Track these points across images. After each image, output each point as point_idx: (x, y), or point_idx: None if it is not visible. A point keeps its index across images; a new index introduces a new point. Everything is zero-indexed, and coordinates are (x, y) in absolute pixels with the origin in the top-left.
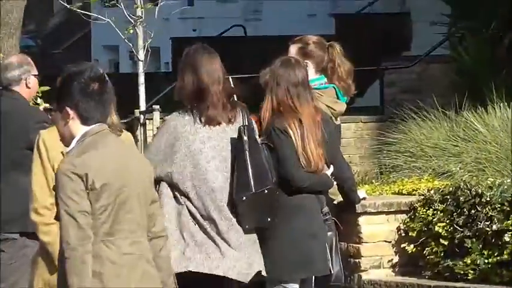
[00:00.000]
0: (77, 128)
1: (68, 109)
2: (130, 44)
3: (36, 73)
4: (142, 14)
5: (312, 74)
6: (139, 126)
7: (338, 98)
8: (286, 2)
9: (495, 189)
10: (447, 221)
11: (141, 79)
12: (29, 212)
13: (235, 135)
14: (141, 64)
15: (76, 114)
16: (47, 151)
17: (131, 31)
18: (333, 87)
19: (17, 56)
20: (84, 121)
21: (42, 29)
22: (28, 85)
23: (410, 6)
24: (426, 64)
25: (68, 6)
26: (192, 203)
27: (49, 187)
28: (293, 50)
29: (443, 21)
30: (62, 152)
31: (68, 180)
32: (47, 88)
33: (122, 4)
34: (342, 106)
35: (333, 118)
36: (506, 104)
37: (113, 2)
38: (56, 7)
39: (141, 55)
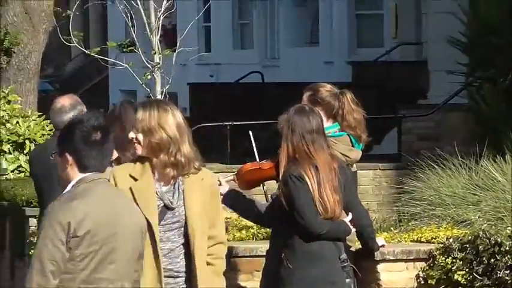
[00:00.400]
0: (74, 174)
1: (68, 155)
2: (148, 90)
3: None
4: (160, 60)
5: (324, 121)
6: None
7: (353, 145)
8: (304, 49)
9: None
10: (466, 270)
11: None
12: None
13: None
14: None
15: (75, 161)
16: (116, 186)
17: (149, 77)
18: (347, 134)
19: (68, 97)
20: (82, 168)
21: (60, 73)
22: None
23: (427, 55)
24: (444, 113)
25: (86, 51)
26: None
27: None
28: (305, 97)
29: (459, 71)
30: (130, 188)
31: (49, 227)
32: None
33: (139, 50)
34: (357, 154)
35: (349, 165)
36: None
37: (131, 47)
38: (73, 52)
39: None
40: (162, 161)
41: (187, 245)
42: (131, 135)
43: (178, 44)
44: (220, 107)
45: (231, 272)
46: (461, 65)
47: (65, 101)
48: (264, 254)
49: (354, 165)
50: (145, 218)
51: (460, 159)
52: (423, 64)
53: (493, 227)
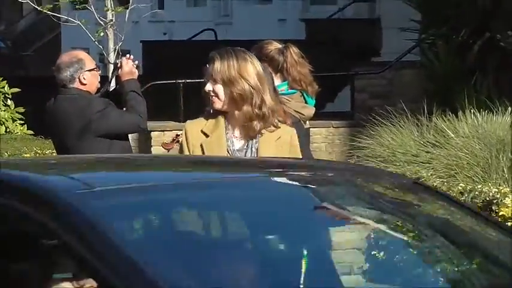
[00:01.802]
0: None
1: None
2: (101, 47)
3: (92, 67)
4: (112, 17)
5: (274, 79)
6: None
7: (306, 102)
8: (257, 7)
9: (466, 195)
10: None
11: (112, 82)
12: None
13: None
14: (111, 67)
15: None
16: (187, 141)
17: (101, 34)
18: (300, 91)
19: (67, 54)
20: None
21: (11, 30)
22: (83, 82)
23: (380, 13)
24: (396, 70)
25: (38, 8)
26: None
27: None
28: None
29: (413, 28)
30: (200, 144)
31: None
32: (17, 90)
33: (92, 7)
34: (310, 110)
35: (302, 122)
36: (476, 110)
37: (83, 5)
38: (25, 9)
39: (112, 58)
40: (246, 113)
41: None
42: (208, 87)
43: (131, 1)
44: (173, 65)
45: None
46: (415, 22)
47: (62, 58)
48: None
49: (307, 122)
50: None
51: (411, 116)
52: (376, 21)
53: (445, 184)
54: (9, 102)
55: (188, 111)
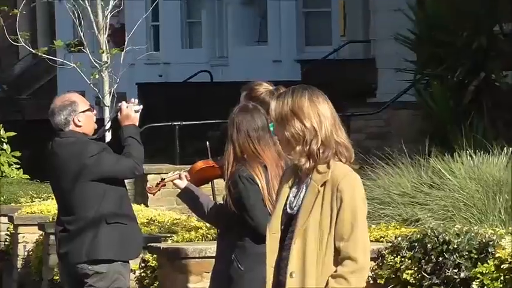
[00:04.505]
0: None
1: None
2: (96, 90)
3: (85, 108)
4: (108, 59)
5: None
6: None
7: None
8: (252, 48)
9: (462, 237)
10: (415, 269)
11: (108, 125)
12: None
13: None
14: (107, 109)
15: None
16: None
17: (97, 76)
18: None
19: (60, 98)
20: None
21: (7, 74)
22: (78, 124)
23: (375, 53)
24: (393, 110)
25: (34, 51)
26: None
27: None
28: (241, 97)
29: (408, 68)
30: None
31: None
32: (13, 134)
33: (87, 49)
34: None
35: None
36: (472, 151)
37: (79, 47)
38: (21, 52)
39: (107, 100)
40: (297, 152)
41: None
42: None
43: (126, 43)
44: (169, 107)
45: (180, 273)
46: (409, 63)
47: (55, 102)
48: (213, 255)
49: None
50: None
51: (408, 157)
52: (371, 62)
53: (442, 225)
54: (5, 146)
55: (184, 153)
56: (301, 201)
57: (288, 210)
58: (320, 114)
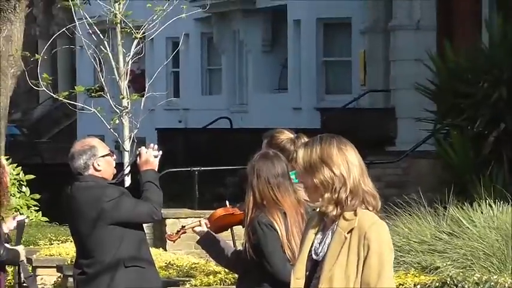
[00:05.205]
0: None
1: None
2: (116, 134)
3: (105, 153)
4: (128, 104)
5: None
6: None
7: None
8: (272, 95)
9: (482, 286)
10: None
11: (127, 169)
12: None
13: None
14: (126, 154)
15: None
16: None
17: (117, 121)
18: None
19: (80, 142)
20: None
21: (28, 118)
22: (97, 168)
23: (395, 103)
24: (412, 159)
25: (54, 95)
26: None
27: None
28: (263, 144)
29: (427, 118)
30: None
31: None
32: (32, 176)
33: (108, 94)
34: None
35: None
36: (492, 200)
37: (99, 92)
38: (42, 96)
39: (127, 145)
40: (325, 199)
41: None
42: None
43: (146, 89)
44: (188, 153)
45: None
46: (429, 112)
47: (75, 146)
48: None
49: None
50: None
51: (427, 206)
52: (391, 111)
53: (461, 274)
54: (24, 189)
55: (203, 199)
56: (327, 248)
57: (314, 256)
58: (349, 162)
